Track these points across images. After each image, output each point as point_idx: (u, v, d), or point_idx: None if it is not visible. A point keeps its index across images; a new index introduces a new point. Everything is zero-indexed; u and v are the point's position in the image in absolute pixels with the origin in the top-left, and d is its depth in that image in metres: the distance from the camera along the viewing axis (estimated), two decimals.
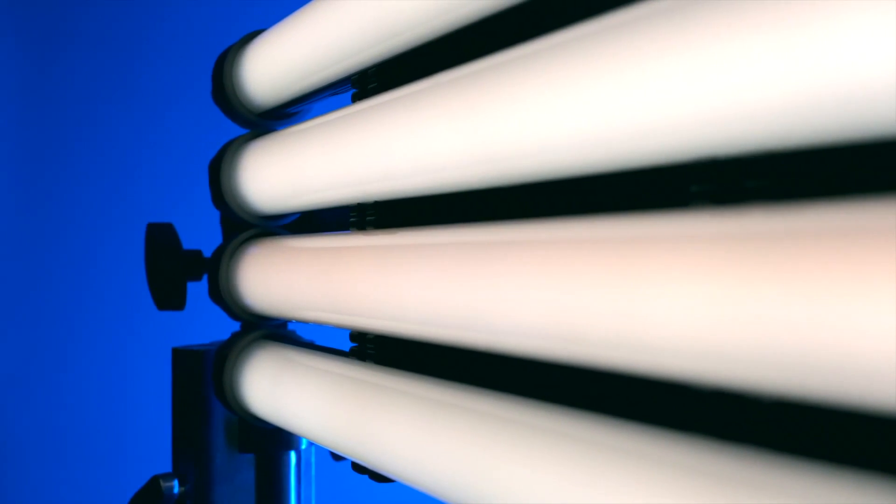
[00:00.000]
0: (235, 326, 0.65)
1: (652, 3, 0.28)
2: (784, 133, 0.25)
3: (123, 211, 1.31)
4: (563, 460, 0.32)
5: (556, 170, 0.32)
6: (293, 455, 0.68)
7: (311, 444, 0.69)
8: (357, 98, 0.50)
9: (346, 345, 0.52)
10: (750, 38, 0.25)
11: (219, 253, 0.63)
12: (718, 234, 0.26)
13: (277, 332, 0.63)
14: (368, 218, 0.49)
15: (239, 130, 0.65)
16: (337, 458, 0.66)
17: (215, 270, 0.63)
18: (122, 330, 1.31)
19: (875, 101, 0.22)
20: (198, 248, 0.68)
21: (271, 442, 0.67)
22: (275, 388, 0.56)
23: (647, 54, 0.27)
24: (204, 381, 0.66)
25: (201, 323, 0.77)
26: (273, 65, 0.57)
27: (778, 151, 0.25)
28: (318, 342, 0.63)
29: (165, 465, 0.68)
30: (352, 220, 0.51)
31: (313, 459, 0.70)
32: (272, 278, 0.58)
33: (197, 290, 0.67)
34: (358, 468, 0.49)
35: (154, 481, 0.64)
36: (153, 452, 0.82)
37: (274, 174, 0.57)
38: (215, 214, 0.67)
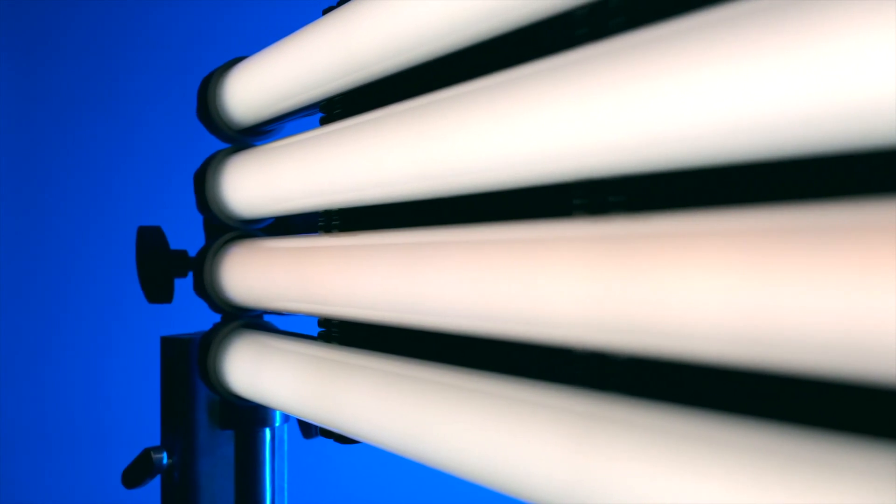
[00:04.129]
0: (217, 318, 0.69)
1: (553, 60, 0.37)
2: (638, 162, 0.33)
3: (117, 215, 1.38)
4: (485, 413, 0.40)
5: (479, 186, 0.41)
6: (268, 431, 0.73)
7: (284, 421, 0.74)
8: (324, 121, 0.56)
9: (315, 330, 0.59)
10: (616, 98, 0.33)
11: (203, 252, 0.68)
12: (592, 236, 0.35)
13: (255, 321, 0.68)
14: (333, 222, 0.55)
15: (220, 144, 0.70)
16: (307, 435, 0.73)
17: (199, 268, 0.68)
18: (116, 321, 1.38)
19: (695, 140, 0.31)
20: (184, 249, 0.72)
21: (249, 420, 0.72)
22: (253, 369, 0.62)
23: (540, 104, 0.36)
24: (190, 365, 0.70)
25: (187, 315, 0.82)
26: (252, 90, 0.63)
27: (633, 175, 0.34)
28: (291, 329, 0.69)
29: (155, 442, 0.73)
30: (319, 224, 0.57)
31: (286, 436, 0.75)
32: (250, 274, 0.64)
33: (183, 286, 0.72)
34: (325, 433, 0.56)
35: (146, 453, 0.69)
36: (143, 429, 0.88)
37: (252, 184, 0.63)
38: (199, 218, 0.71)
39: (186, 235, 0.76)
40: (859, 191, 0.27)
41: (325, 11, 0.56)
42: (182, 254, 0.72)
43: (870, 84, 0.23)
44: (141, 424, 0.98)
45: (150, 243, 0.71)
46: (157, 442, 0.73)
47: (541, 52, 0.37)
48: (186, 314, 0.82)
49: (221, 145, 0.70)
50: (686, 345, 0.31)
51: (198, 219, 0.72)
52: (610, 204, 0.35)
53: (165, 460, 0.70)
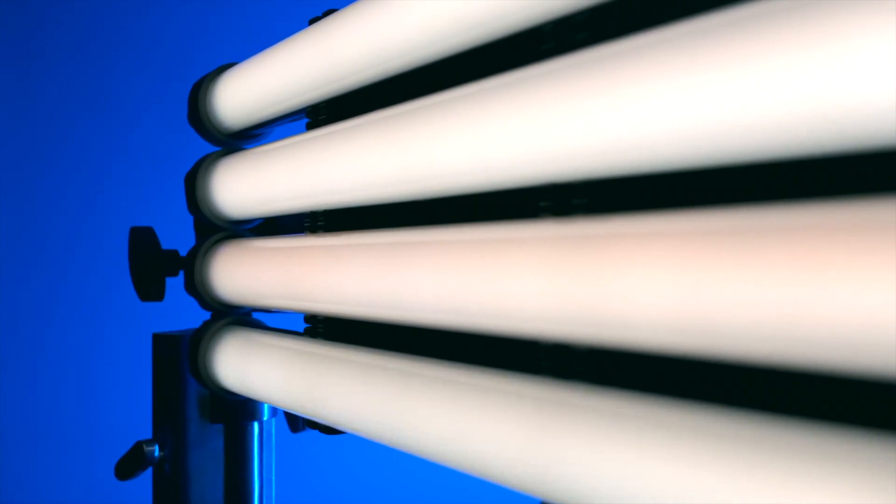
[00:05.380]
0: (207, 315, 0.71)
1: (522, 72, 0.39)
2: (599, 167, 0.36)
3: (111, 216, 1.40)
4: (460, 401, 0.43)
5: (454, 189, 0.43)
6: (256, 425, 0.75)
7: (272, 416, 0.77)
8: (310, 127, 0.59)
9: (301, 327, 0.61)
10: (579, 108, 0.36)
11: (193, 252, 0.70)
12: (557, 236, 0.37)
13: (244, 318, 0.70)
14: (319, 223, 0.57)
15: (210, 147, 0.72)
16: (294, 429, 0.75)
17: (190, 267, 0.69)
18: (110, 319, 1.41)
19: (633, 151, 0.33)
20: (175, 248, 0.74)
21: (238, 414, 0.74)
22: (242, 364, 0.64)
23: (509, 113, 0.39)
24: (181, 361, 0.72)
25: (178, 312, 0.83)
26: (241, 95, 0.65)
27: (594, 179, 0.37)
28: (279, 327, 0.70)
29: (147, 435, 0.75)
30: (306, 224, 0.59)
31: (273, 430, 0.77)
32: (239, 273, 0.66)
33: (174, 285, 0.73)
34: (311, 424, 0.59)
35: (138, 446, 0.71)
36: (136, 424, 0.90)
37: (241, 186, 0.65)
38: (190, 219, 0.73)
39: (177, 236, 0.78)
40: (789, 195, 0.29)
41: (311, 21, 0.58)
42: (173, 253, 0.74)
43: (787, 98, 0.26)
44: (134, 419, 1.00)
45: (143, 243, 0.73)
46: (149, 435, 0.75)
47: (511, 65, 0.40)
48: (177, 312, 0.83)
49: (211, 148, 0.72)
50: (639, 335, 0.33)
51: (188, 219, 0.73)
52: (573, 206, 0.38)
53: (157, 453, 0.72)
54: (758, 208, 0.29)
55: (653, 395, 0.34)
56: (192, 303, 0.71)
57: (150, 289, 0.73)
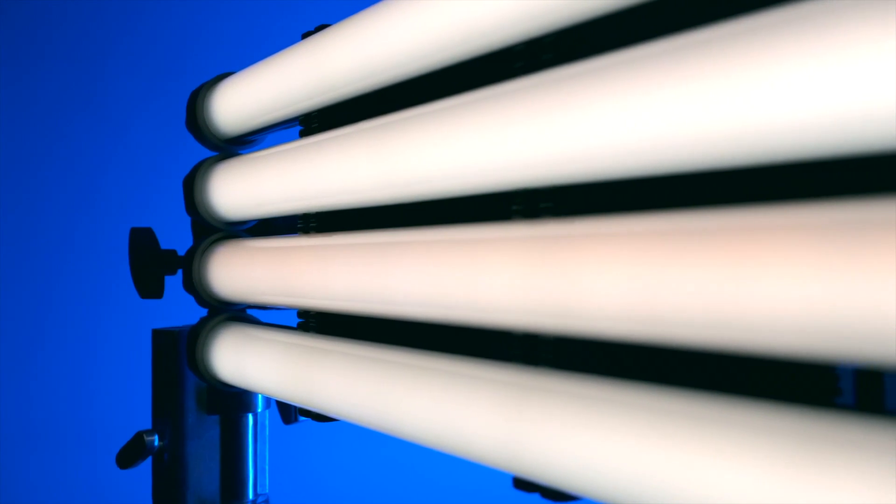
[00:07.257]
0: (204, 312, 0.73)
1: (496, 87, 0.43)
2: (564, 175, 0.40)
3: (112, 218, 1.44)
4: (440, 387, 0.46)
5: (433, 193, 0.47)
6: (251, 417, 0.78)
7: (265, 407, 0.79)
8: (303, 134, 0.62)
9: (294, 322, 0.64)
10: (545, 121, 0.40)
11: (191, 252, 0.72)
12: (526, 236, 0.41)
13: (239, 314, 0.73)
14: (311, 224, 0.61)
15: (207, 152, 0.75)
16: (287, 421, 0.78)
17: (188, 266, 0.72)
18: (110, 315, 1.44)
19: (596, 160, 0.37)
20: (173, 248, 0.76)
21: (234, 405, 0.77)
22: (238, 357, 0.67)
23: (485, 125, 0.43)
24: (179, 355, 0.75)
25: (176, 309, 0.85)
26: (237, 104, 0.69)
27: (560, 185, 0.41)
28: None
29: (146, 427, 0.78)
30: (298, 225, 0.62)
31: (267, 421, 0.80)
32: (235, 271, 0.68)
33: (173, 283, 0.76)
34: (304, 412, 0.62)
35: (138, 436, 0.74)
36: (135, 416, 0.92)
37: (237, 189, 0.68)
38: (187, 220, 0.75)
39: (176, 236, 0.80)
40: (726, 200, 0.33)
41: (304, 35, 0.62)
42: (172, 253, 0.76)
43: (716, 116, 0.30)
44: (133, 410, 1.03)
45: (143, 243, 0.75)
46: (148, 427, 0.78)
47: (486, 81, 0.44)
48: (176, 309, 0.86)
49: (208, 153, 0.74)
50: (599, 325, 0.37)
51: (186, 221, 0.76)
52: (541, 209, 0.41)
53: (157, 443, 0.75)
54: (701, 211, 0.33)
55: (613, 379, 0.38)
56: (189, 300, 0.74)
57: (149, 287, 0.76)
